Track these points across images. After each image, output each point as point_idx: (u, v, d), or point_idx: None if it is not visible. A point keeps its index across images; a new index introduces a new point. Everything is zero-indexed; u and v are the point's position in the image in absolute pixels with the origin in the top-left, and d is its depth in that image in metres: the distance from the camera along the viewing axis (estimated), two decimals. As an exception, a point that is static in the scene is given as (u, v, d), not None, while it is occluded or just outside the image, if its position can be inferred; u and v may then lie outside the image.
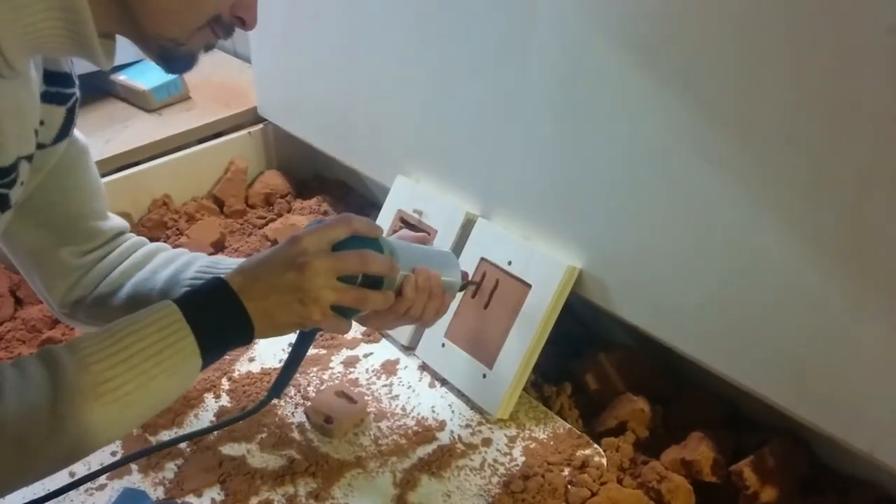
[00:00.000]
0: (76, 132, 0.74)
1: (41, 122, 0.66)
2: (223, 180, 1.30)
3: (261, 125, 1.34)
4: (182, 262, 0.78)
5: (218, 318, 0.61)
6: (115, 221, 0.80)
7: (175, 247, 1.16)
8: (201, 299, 0.61)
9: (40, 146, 0.66)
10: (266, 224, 1.25)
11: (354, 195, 1.32)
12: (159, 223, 1.22)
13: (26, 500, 0.68)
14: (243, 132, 1.33)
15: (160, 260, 0.79)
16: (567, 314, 0.97)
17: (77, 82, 0.70)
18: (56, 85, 0.66)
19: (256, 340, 0.67)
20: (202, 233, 1.20)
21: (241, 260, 0.77)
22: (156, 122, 1.30)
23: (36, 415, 0.53)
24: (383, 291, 0.66)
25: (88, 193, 0.76)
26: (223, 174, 1.30)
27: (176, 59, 0.62)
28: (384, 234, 0.69)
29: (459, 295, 0.84)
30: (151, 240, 1.19)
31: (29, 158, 0.63)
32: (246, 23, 0.62)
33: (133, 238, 0.81)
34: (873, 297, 0.64)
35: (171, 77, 1.33)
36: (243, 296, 0.61)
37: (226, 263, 0.76)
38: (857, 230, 0.64)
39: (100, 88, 1.36)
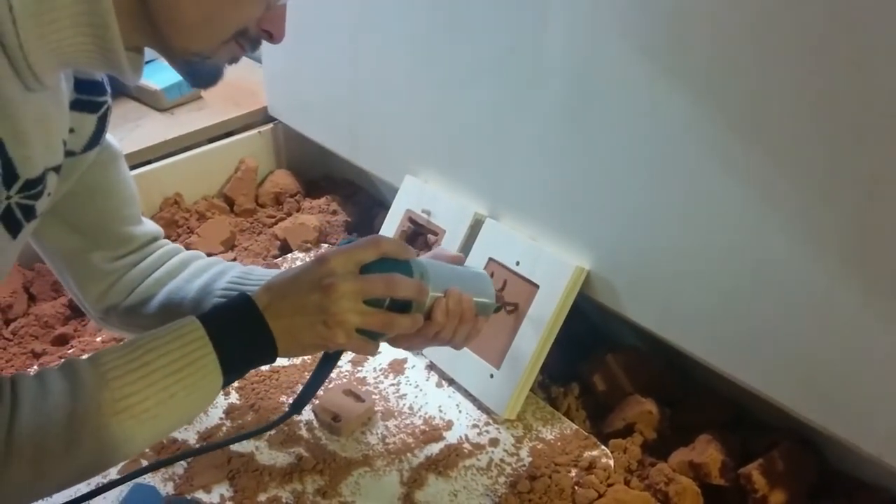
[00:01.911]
0: (108, 138, 0.74)
1: (71, 130, 0.65)
2: (233, 179, 1.31)
3: (271, 125, 1.35)
4: (215, 272, 0.77)
5: (241, 336, 0.60)
6: (149, 227, 0.80)
7: (186, 245, 1.18)
8: (226, 316, 0.61)
9: (70, 154, 0.66)
10: (276, 223, 1.26)
11: (363, 195, 1.33)
12: (170, 221, 1.23)
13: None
14: (253, 132, 1.34)
15: (194, 269, 0.79)
16: (575, 315, 0.97)
17: (109, 89, 0.70)
18: (87, 93, 0.66)
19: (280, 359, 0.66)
20: (212, 231, 1.21)
21: (272, 271, 0.77)
22: (168, 122, 1.31)
23: (54, 428, 0.53)
24: (411, 315, 0.64)
25: (120, 198, 0.76)
26: (234, 173, 1.31)
27: (201, 73, 0.62)
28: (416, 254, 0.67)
29: (494, 316, 0.82)
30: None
31: (56, 169, 0.63)
32: (274, 36, 0.61)
33: (168, 245, 0.81)
34: (883, 301, 0.64)
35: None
36: (268, 314, 0.60)
37: (258, 273, 0.76)
38: (867, 233, 0.64)
39: (113, 88, 1.36)
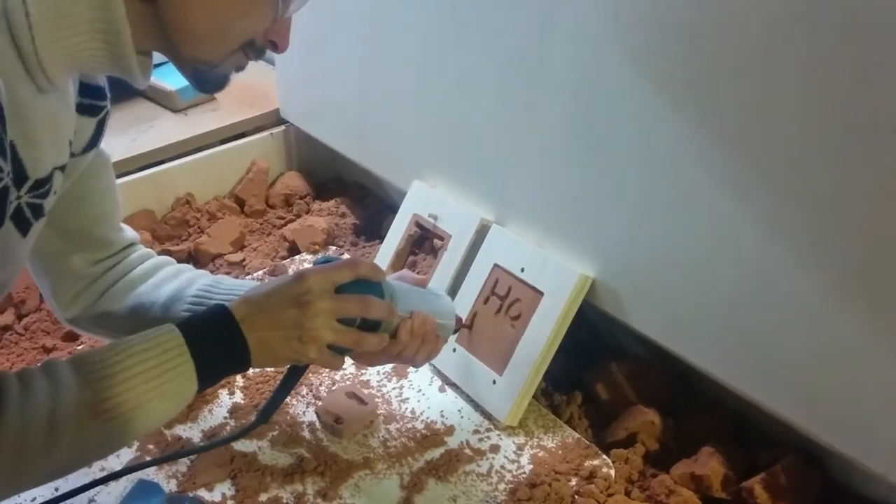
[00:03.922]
0: (102, 145, 0.76)
1: (74, 132, 0.67)
2: (245, 180, 1.32)
3: (282, 127, 1.36)
4: (185, 279, 0.79)
5: (218, 346, 0.62)
6: (128, 234, 0.82)
7: (197, 245, 1.19)
8: (204, 327, 0.63)
9: (71, 155, 0.68)
10: (285, 224, 1.27)
11: (372, 198, 1.33)
12: (182, 221, 1.24)
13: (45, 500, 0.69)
14: (265, 133, 1.35)
15: (164, 274, 0.80)
16: (580, 323, 0.97)
17: (109, 95, 0.72)
18: (90, 97, 0.68)
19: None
20: (223, 232, 1.21)
21: (242, 282, 0.79)
22: (181, 122, 1.33)
23: (35, 428, 0.54)
24: (379, 334, 0.67)
25: (106, 204, 0.78)
26: (245, 174, 1.32)
27: (208, 80, 0.64)
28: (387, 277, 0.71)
29: (452, 337, 0.85)
30: (173, 237, 1.23)
31: (63, 169, 0.65)
32: (279, 47, 0.63)
33: (141, 250, 0.82)
34: (888, 316, 0.64)
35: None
36: (245, 326, 0.62)
37: (227, 284, 0.78)
38: (872, 247, 0.63)
39: (129, 88, 1.37)
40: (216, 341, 0.62)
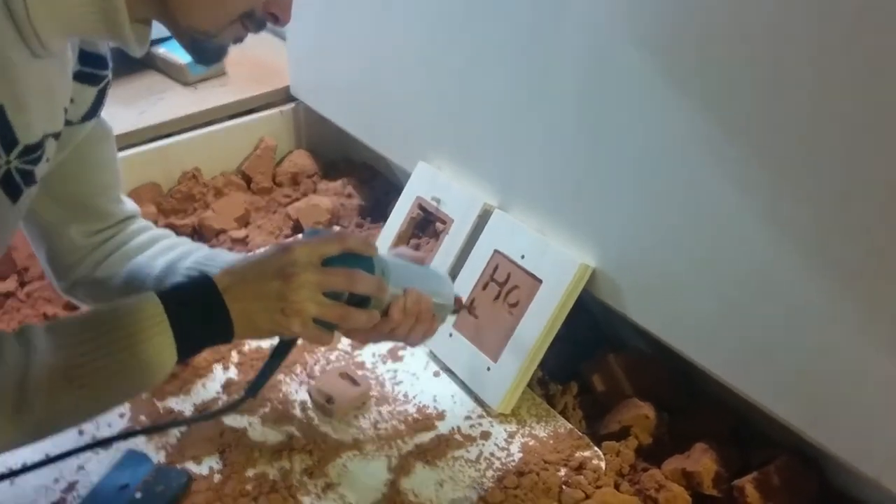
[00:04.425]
0: (103, 115, 0.76)
1: (71, 100, 0.67)
2: (252, 157, 1.31)
3: (292, 104, 1.35)
4: (181, 252, 0.78)
5: (199, 315, 0.61)
6: (128, 206, 0.81)
7: (201, 220, 1.19)
8: (185, 295, 0.62)
9: (68, 123, 0.67)
10: (291, 203, 1.26)
11: (380, 179, 1.32)
12: (188, 195, 1.24)
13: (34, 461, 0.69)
14: (275, 110, 1.34)
15: (161, 247, 0.80)
16: (580, 313, 0.95)
17: (111, 64, 0.71)
18: (90, 65, 0.68)
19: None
20: (228, 208, 1.21)
21: (239, 255, 0.78)
22: (190, 96, 1.32)
23: (6, 391, 0.54)
24: (368, 311, 0.65)
25: (105, 175, 0.78)
26: (253, 151, 1.32)
27: (205, 51, 0.63)
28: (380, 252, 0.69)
29: (451, 320, 0.83)
30: (178, 212, 1.23)
31: (56, 136, 0.64)
32: (279, 19, 0.62)
33: (140, 222, 0.82)
34: (888, 319, 0.62)
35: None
36: (227, 296, 0.61)
37: (224, 258, 0.77)
38: (875, 250, 0.61)
39: (139, 61, 1.38)
40: (197, 310, 0.61)
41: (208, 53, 0.64)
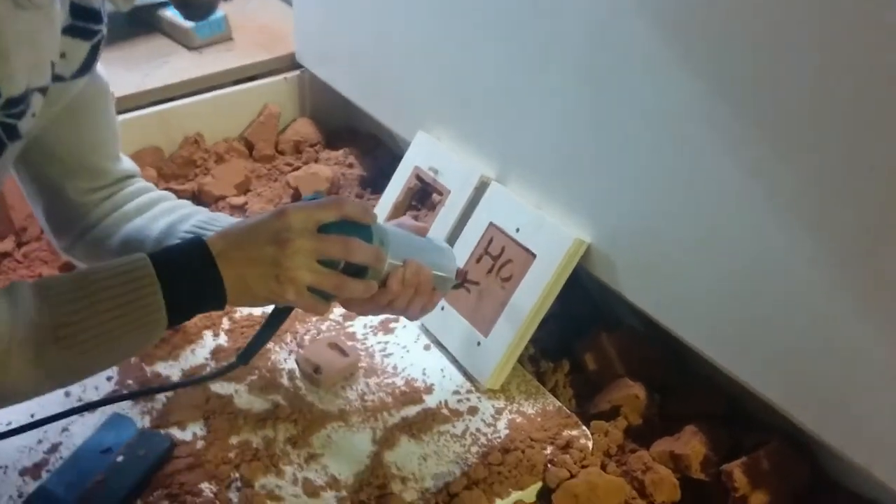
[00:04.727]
0: (100, 71, 0.74)
1: (62, 55, 0.65)
2: (255, 124, 1.30)
3: (297, 72, 1.33)
4: (181, 214, 0.77)
5: (191, 279, 0.59)
6: (126, 164, 0.80)
7: (201, 186, 1.18)
8: (177, 257, 0.60)
9: (59, 79, 0.66)
10: (293, 171, 1.25)
11: (383, 149, 1.30)
12: (188, 161, 1.23)
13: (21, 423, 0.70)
14: (279, 77, 1.32)
15: (160, 209, 0.78)
16: (576, 290, 0.94)
17: (105, 20, 0.69)
18: (83, 20, 0.66)
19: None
20: (228, 174, 1.20)
21: (240, 220, 0.76)
22: (195, 60, 1.31)
23: None
24: (365, 281, 0.63)
25: (101, 132, 0.76)
26: (256, 118, 1.30)
27: (194, 6, 0.61)
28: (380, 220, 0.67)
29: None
30: (179, 177, 1.22)
31: (42, 91, 0.63)
32: None
33: (141, 183, 0.81)
34: (884, 306, 0.59)
35: (216, 16, 1.33)
36: (221, 261, 0.60)
37: (223, 221, 0.76)
38: (874, 235, 0.59)
39: (147, 23, 1.37)
40: (189, 274, 0.59)
41: (195, 9, 0.62)
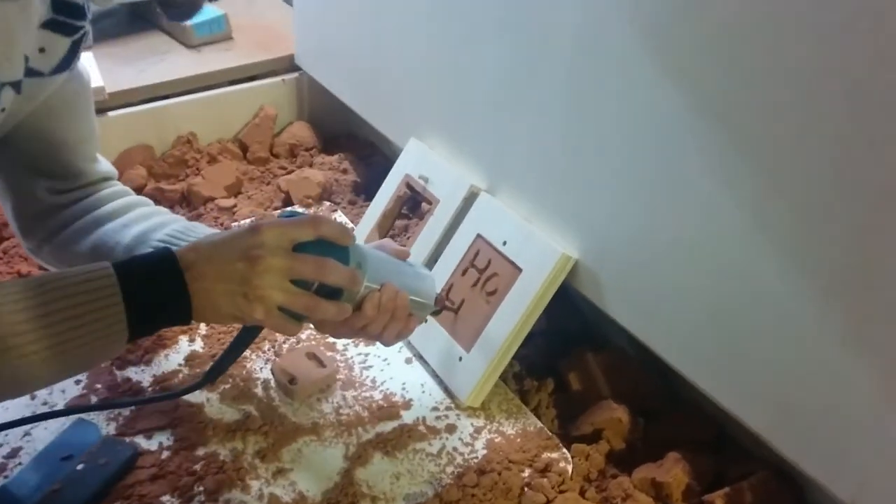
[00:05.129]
0: (82, 69, 0.72)
1: (41, 50, 0.64)
2: (250, 125, 1.28)
3: (296, 74, 1.31)
4: (156, 222, 0.75)
5: (155, 292, 0.57)
6: (103, 167, 0.78)
7: (190, 186, 1.16)
8: (143, 269, 0.58)
9: (37, 74, 0.64)
10: (286, 175, 1.23)
11: (379, 157, 1.28)
12: (180, 160, 1.21)
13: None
14: (277, 79, 1.30)
15: (135, 215, 0.76)
16: (566, 306, 0.91)
17: (89, 16, 0.67)
18: (65, 14, 0.64)
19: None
20: (219, 175, 1.18)
21: (217, 231, 0.74)
22: (193, 59, 1.29)
23: None
24: (339, 303, 0.61)
25: (78, 131, 0.74)
26: (251, 119, 1.28)
27: (176, 5, 0.60)
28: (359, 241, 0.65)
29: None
30: (170, 176, 1.21)
31: (14, 85, 0.61)
32: None
33: (117, 186, 0.79)
34: (869, 337, 0.56)
35: (215, 14, 1.31)
36: (189, 275, 0.57)
37: (200, 231, 0.73)
38: (861, 266, 0.55)
39: (146, 20, 1.36)
40: (154, 287, 0.57)
41: (179, 7, 0.60)
